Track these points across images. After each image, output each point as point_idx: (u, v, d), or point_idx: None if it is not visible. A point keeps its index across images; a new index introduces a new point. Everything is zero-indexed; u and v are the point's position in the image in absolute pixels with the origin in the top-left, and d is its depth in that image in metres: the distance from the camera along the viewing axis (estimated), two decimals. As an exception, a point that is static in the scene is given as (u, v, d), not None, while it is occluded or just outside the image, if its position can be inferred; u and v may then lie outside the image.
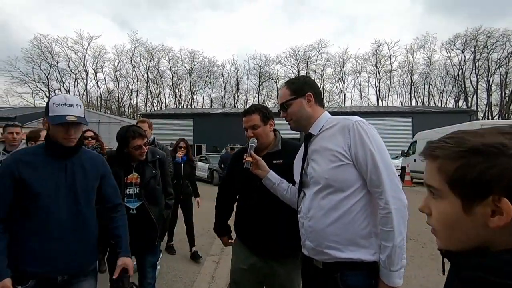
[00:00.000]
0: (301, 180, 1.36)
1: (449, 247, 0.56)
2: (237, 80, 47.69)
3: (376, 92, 45.07)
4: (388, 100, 44.84)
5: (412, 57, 43.75)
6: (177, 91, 47.05)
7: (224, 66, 49.09)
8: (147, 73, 45.81)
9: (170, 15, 66.86)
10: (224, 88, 47.66)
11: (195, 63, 46.66)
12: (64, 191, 1.44)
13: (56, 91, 41.63)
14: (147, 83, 45.91)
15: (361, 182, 1.19)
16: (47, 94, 40.99)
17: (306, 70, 45.02)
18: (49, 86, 41.60)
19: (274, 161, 1.65)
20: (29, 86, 40.49)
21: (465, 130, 0.54)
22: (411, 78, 44.05)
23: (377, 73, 44.80)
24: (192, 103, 47.01)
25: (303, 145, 1.41)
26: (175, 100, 46.72)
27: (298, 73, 44.05)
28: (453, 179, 0.51)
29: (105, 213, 1.64)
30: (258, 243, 1.69)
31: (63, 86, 42.64)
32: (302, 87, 1.36)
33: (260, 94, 46.84)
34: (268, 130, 1.74)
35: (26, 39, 57.58)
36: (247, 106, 1.90)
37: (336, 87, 46.01)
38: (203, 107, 44.36)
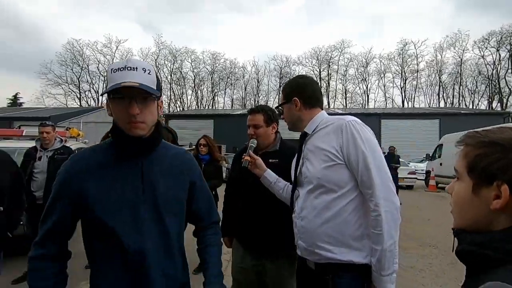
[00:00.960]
0: (296, 179, 1.37)
1: (459, 225, 0.64)
2: (258, 81, 47.90)
3: (402, 93, 43.44)
4: (414, 101, 43.08)
5: (441, 56, 41.71)
6: (199, 92, 48.04)
7: (245, 68, 49.08)
8: (171, 75, 47.14)
9: (193, 18, 68.47)
10: (245, 89, 48.04)
11: (217, 65, 47.40)
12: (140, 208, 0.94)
13: (86, 93, 44.00)
14: (170, 84, 47.23)
15: (353, 183, 1.18)
16: (78, 95, 43.42)
17: (328, 70, 44.29)
18: (80, 88, 43.97)
19: (271, 160, 1.69)
20: (62, 88, 43.01)
21: (502, 126, 0.64)
22: (439, 78, 42.00)
23: (403, 73, 43.19)
24: (213, 104, 47.78)
25: (299, 144, 1.42)
26: (197, 101, 47.70)
27: (320, 74, 43.46)
28: (471, 164, 0.60)
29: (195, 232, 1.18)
30: (251, 241, 1.71)
31: (93, 88, 44.89)
32: (289, 93, 1.41)
33: (280, 95, 46.64)
34: (269, 132, 1.78)
35: (60, 43, 61.21)
36: None
37: (359, 88, 44.91)
38: (224, 108, 44.94)
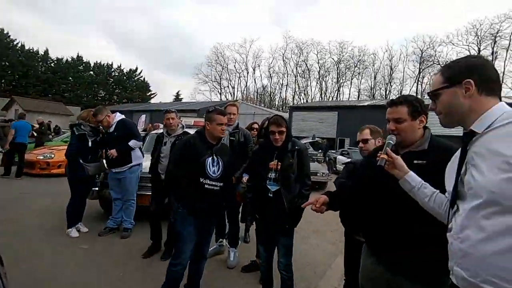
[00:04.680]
0: (456, 189, 1.08)
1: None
2: (391, 68, 42.67)
3: None
4: None
5: None
6: (323, 83, 47.30)
7: (376, 54, 45.18)
8: (296, 68, 48.41)
9: (321, 8, 67.19)
10: (375, 78, 43.86)
11: (344, 54, 45.16)
12: None
13: (225, 88, 51.18)
14: (295, 77, 48.63)
15: None
16: (219, 91, 51.09)
17: (493, 48, 34.36)
18: (221, 84, 51.59)
19: (416, 161, 1.41)
20: (208, 85, 51.84)
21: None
22: None
23: None
24: (338, 95, 46.01)
25: (461, 145, 1.11)
26: (321, 92, 47.15)
27: (479, 52, 34.22)
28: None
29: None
30: (384, 251, 1.50)
31: (230, 84, 51.75)
32: (459, 72, 1.07)
33: (420, 82, 39.99)
34: (416, 126, 1.49)
35: (208, 48, 73.25)
36: None
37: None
38: (350, 99, 42.48)
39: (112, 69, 51.36)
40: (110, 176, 3.99)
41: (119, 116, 3.98)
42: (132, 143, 3.81)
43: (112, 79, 51.06)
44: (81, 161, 3.73)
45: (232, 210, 3.48)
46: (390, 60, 42.77)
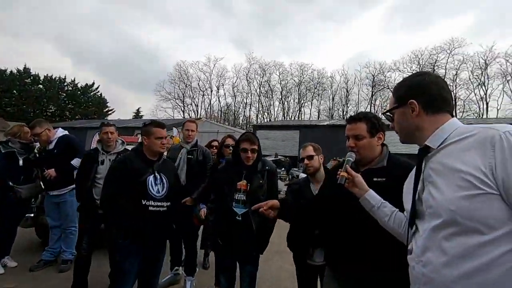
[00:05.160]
0: (414, 208, 1.03)
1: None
2: (347, 91, 45.67)
3: (540, 99, 34.15)
4: (561, 109, 33.27)
5: None
6: (285, 103, 48.90)
7: (334, 77, 47.64)
8: (260, 88, 49.59)
9: (282, 32, 70.87)
10: (333, 100, 46.50)
11: (304, 76, 47.48)
12: None
13: (188, 106, 50.47)
14: (259, 97, 49.67)
15: None
16: (182, 108, 50.13)
17: (432, 76, 38.59)
18: (184, 102, 50.76)
19: (375, 179, 1.38)
20: (170, 102, 50.60)
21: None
22: None
23: (541, 74, 33.96)
24: (300, 115, 47.78)
25: (417, 162, 1.08)
26: (283, 112, 48.59)
27: (421, 79, 38.16)
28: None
29: None
30: (348, 273, 1.43)
31: (194, 102, 51.11)
32: (404, 93, 1.09)
33: (373, 105, 43.25)
34: (375, 143, 1.49)
35: (171, 65, 72.44)
36: None
37: (475, 94, 37.47)
38: (310, 119, 44.32)
39: (65, 83, 48.03)
40: (47, 200, 3.48)
41: (61, 132, 3.57)
42: (75, 161, 3.39)
43: (64, 94, 47.64)
44: (10, 183, 3.22)
45: (189, 234, 3.22)
46: (346, 83, 45.85)
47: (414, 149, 1.04)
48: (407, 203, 1.10)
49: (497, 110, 36.20)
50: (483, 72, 36.81)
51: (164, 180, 2.22)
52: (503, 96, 36.32)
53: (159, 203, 2.15)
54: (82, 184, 2.93)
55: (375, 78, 43.22)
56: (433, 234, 0.91)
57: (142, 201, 2.09)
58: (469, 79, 37.37)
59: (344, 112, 44.84)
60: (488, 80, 36.65)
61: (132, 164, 2.14)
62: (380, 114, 1.59)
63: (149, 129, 2.21)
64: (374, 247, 1.38)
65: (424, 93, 1.05)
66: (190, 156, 3.18)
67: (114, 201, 2.13)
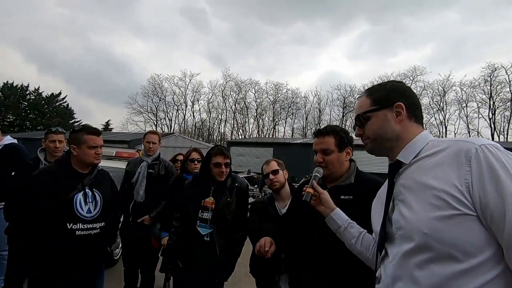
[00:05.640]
0: (383, 230, 0.92)
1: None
2: (320, 111, 47.27)
3: (490, 125, 37.50)
4: (508, 134, 36.67)
5: (543, 83, 35.20)
6: (260, 121, 49.43)
7: (307, 97, 49.18)
8: (235, 105, 49.82)
9: (259, 51, 72.79)
10: (306, 119, 47.77)
11: (279, 95, 48.53)
12: None
13: (162, 120, 49.31)
14: (234, 113, 49.80)
15: (494, 248, 0.70)
16: (155, 123, 48.81)
17: (397, 100, 41.19)
18: (157, 116, 49.55)
19: (343, 197, 1.29)
20: (143, 116, 49.07)
21: None
22: (543, 108, 35.21)
23: (492, 102, 37.50)
24: (274, 133, 48.40)
25: (387, 178, 0.99)
26: (258, 129, 48.97)
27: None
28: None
29: None
30: None
31: (167, 116, 50.06)
32: (388, 95, 0.97)
33: (344, 125, 45.00)
34: (343, 159, 1.40)
35: (145, 78, 71.06)
36: None
37: (435, 118, 40.41)
38: (284, 137, 45.01)
39: (28, 92, 45.19)
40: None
41: (8, 140, 3.15)
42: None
43: (26, 103, 44.66)
44: None
45: (146, 257, 2.91)
46: (319, 104, 47.47)
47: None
48: (376, 224, 0.99)
49: (455, 133, 39.21)
50: (442, 99, 40.04)
51: (98, 197, 1.88)
52: (459, 121, 39.65)
53: (89, 225, 1.81)
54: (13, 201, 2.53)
55: (346, 100, 45.27)
56: (405, 260, 0.80)
57: (68, 224, 1.73)
58: (430, 104, 40.32)
59: (317, 131, 46.17)
60: (446, 106, 39.89)
61: (56, 180, 1.76)
62: (351, 133, 1.52)
63: (80, 136, 1.82)
64: (342, 272, 1.26)
65: (410, 98, 0.96)
66: (151, 171, 2.93)
67: (26, 226, 1.72)
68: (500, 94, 37.04)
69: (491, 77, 36.90)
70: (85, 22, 67.36)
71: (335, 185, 1.39)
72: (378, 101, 0.98)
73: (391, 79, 1.12)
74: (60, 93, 47.65)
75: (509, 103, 36.49)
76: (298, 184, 2.23)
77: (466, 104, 38.75)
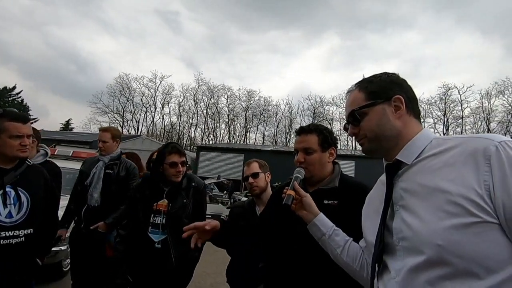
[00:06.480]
0: (381, 241, 0.79)
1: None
2: (291, 120, 48.17)
3: (444, 140, 40.79)
4: (459, 148, 40.10)
5: (489, 103, 39.19)
6: (232, 127, 49.20)
7: (279, 106, 49.97)
8: (207, 110, 49.18)
9: (232, 58, 73.00)
10: (277, 127, 48.42)
11: (251, 102, 48.78)
12: None
13: (129, 122, 47.12)
14: (205, 118, 49.12)
15: None
16: (121, 124, 46.47)
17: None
18: (124, 117, 47.30)
19: (326, 201, 1.17)
20: (108, 116, 46.53)
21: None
22: (487, 126, 39.04)
23: (446, 119, 40.89)
24: (245, 139, 48.38)
25: (384, 181, 0.86)
26: (229, 135, 48.65)
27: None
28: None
29: None
30: None
31: (135, 117, 48.01)
32: (385, 87, 0.85)
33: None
34: (325, 160, 1.28)
35: (112, 77, 67.80)
36: None
37: (397, 131, 43.17)
38: (255, 144, 45.15)
39: (-25, 84, 41.00)
40: None
41: None
42: None
43: (-28, 96, 40.47)
44: None
45: (99, 268, 2.57)
46: (290, 113, 48.46)
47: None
48: (370, 234, 0.86)
49: (414, 146, 42.07)
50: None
51: (24, 198, 1.57)
52: (418, 135, 42.85)
53: (12, 232, 1.50)
54: None
55: (316, 110, 46.68)
56: (412, 277, 0.67)
57: None
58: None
59: (287, 140, 46.95)
60: (407, 121, 42.87)
61: None
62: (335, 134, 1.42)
63: (1, 124, 1.50)
64: (326, 284, 1.13)
65: (407, 91, 0.85)
66: (109, 171, 2.61)
67: None
68: (453, 112, 40.63)
69: (445, 96, 40.39)
70: (47, 14, 63.25)
71: (318, 188, 1.26)
72: (374, 94, 0.85)
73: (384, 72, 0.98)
74: (14, 87, 43.89)
75: (461, 120, 40.09)
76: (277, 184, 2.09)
77: (424, 120, 41.83)
